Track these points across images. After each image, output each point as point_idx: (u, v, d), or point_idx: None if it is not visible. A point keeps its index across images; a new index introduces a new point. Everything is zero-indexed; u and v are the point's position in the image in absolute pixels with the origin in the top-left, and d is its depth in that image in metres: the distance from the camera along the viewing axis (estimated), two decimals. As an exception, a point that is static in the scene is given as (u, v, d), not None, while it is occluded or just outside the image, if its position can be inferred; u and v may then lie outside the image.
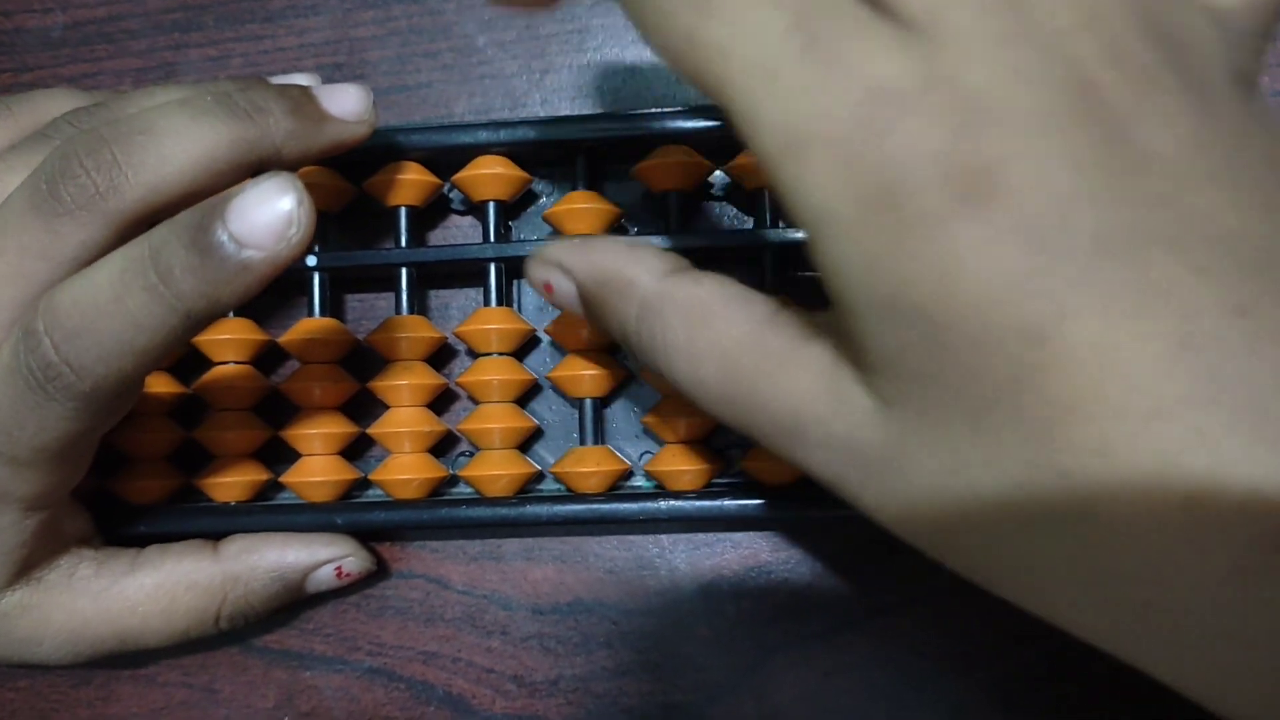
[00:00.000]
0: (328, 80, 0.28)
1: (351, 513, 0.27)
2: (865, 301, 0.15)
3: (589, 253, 0.21)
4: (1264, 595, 0.14)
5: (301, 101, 0.23)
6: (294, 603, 0.27)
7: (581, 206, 0.27)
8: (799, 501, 0.26)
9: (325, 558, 0.27)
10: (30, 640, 0.25)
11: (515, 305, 0.29)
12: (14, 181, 0.23)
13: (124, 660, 0.26)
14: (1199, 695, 0.15)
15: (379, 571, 0.29)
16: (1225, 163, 0.15)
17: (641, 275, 0.20)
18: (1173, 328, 0.14)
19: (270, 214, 0.19)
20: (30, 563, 0.24)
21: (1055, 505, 0.15)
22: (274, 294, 0.30)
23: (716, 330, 0.19)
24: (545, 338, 0.29)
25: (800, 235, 0.27)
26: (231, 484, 0.27)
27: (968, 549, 0.16)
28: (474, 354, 0.28)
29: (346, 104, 0.24)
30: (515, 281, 0.29)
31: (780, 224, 0.27)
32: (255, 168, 0.23)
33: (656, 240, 0.27)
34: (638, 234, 0.28)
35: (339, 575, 0.27)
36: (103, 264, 0.20)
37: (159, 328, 0.20)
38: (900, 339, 0.15)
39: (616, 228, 0.28)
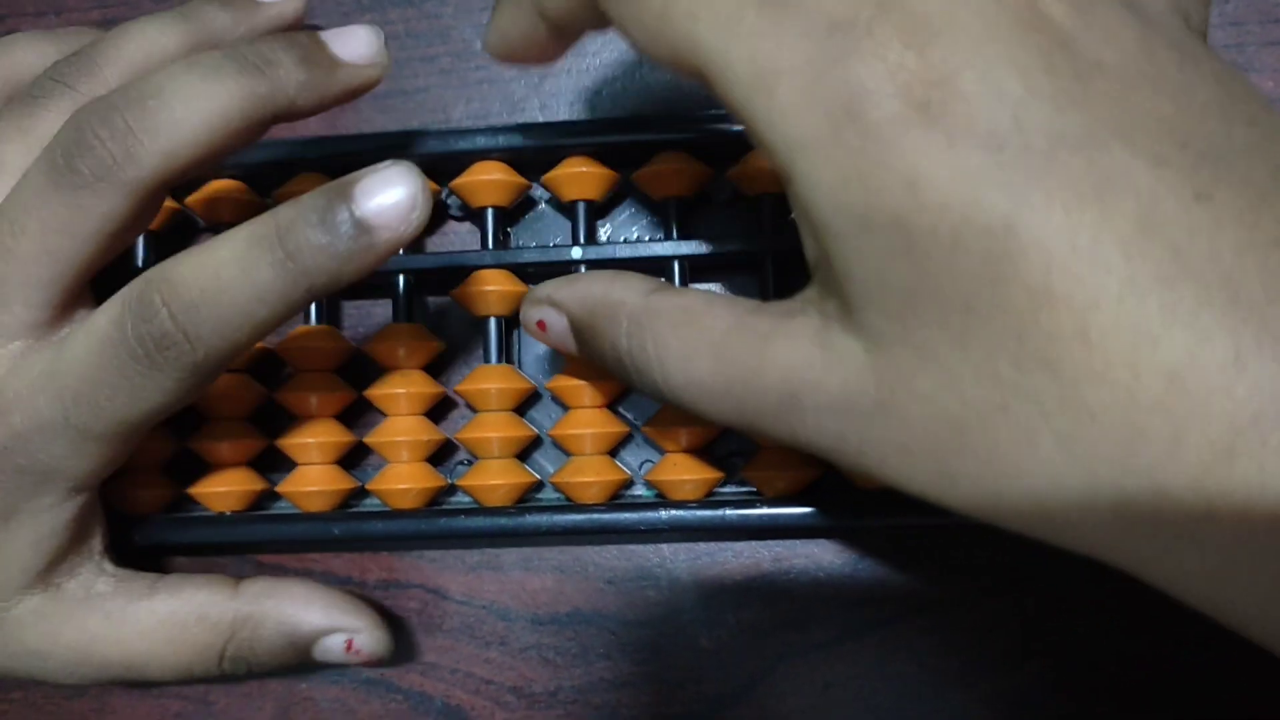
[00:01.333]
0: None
1: (349, 523, 0.27)
2: (842, 221, 0.16)
3: (575, 285, 0.22)
4: (1249, 470, 0.14)
5: (311, 49, 0.23)
6: (297, 665, 0.26)
7: (583, 170, 0.27)
8: (800, 511, 0.25)
9: (340, 625, 0.26)
10: (38, 654, 0.24)
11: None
12: (9, 149, 0.23)
13: (124, 683, 0.26)
14: (1197, 597, 0.16)
15: (378, 577, 0.28)
16: (1174, 71, 0.16)
17: (627, 295, 0.21)
18: (1134, 211, 0.15)
19: (395, 197, 0.20)
20: (57, 558, 0.24)
21: (1042, 398, 0.15)
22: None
23: (704, 326, 0.19)
24: (546, 346, 0.29)
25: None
26: (227, 494, 0.27)
27: (967, 476, 0.16)
28: (470, 311, 0.28)
29: (358, 48, 0.24)
30: (514, 288, 0.29)
31: (780, 231, 0.27)
32: (270, 121, 0.23)
33: (650, 250, 0.27)
34: (636, 241, 0.28)
35: (349, 649, 0.26)
36: (224, 240, 0.21)
37: (281, 300, 0.21)
38: (878, 254, 0.16)
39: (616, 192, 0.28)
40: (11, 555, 0.23)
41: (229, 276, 0.20)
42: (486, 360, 0.28)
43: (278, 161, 0.27)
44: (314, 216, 0.20)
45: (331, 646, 0.26)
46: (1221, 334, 0.14)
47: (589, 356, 0.22)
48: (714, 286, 0.29)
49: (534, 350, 0.29)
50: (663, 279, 0.21)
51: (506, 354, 0.28)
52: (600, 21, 0.19)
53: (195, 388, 0.22)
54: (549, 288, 0.23)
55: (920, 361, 0.16)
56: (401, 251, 0.28)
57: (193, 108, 0.21)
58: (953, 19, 0.15)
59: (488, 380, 0.27)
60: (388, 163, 0.21)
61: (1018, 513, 0.16)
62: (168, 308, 0.20)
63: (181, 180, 0.22)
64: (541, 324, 0.23)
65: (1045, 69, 0.15)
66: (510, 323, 0.28)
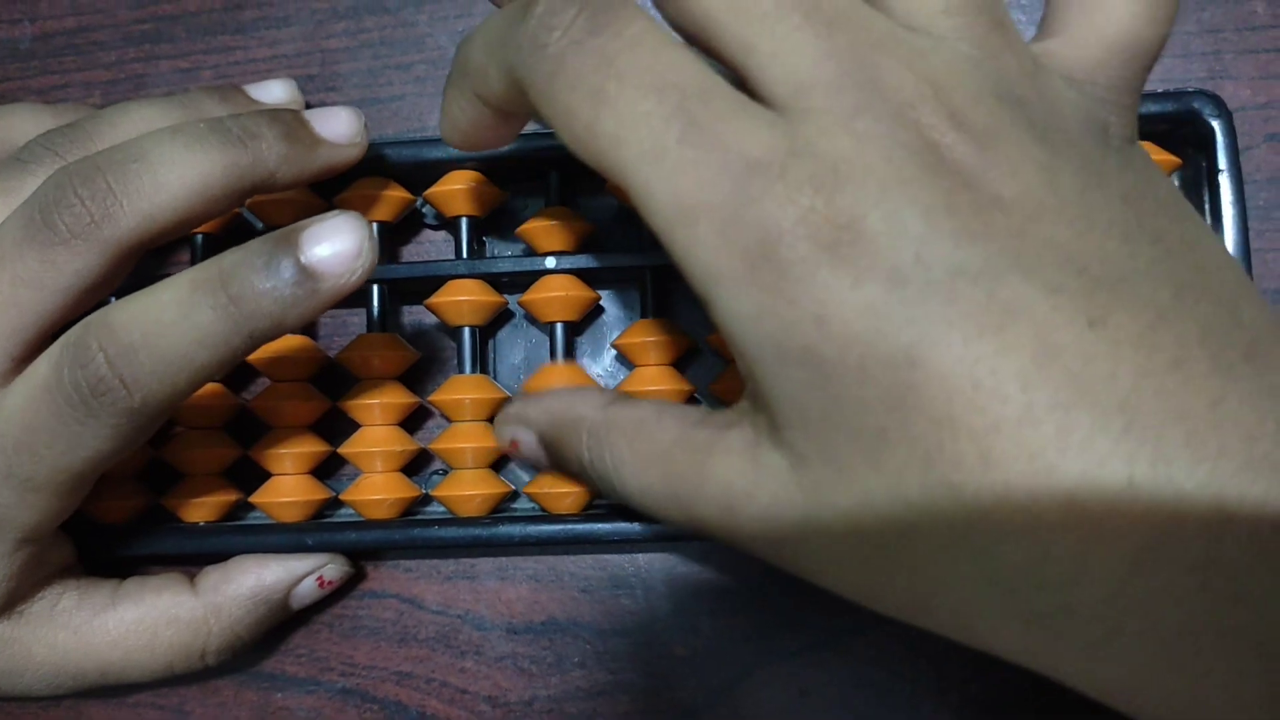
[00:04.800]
0: (302, 90, 0.28)
1: (323, 533, 0.26)
2: (759, 350, 0.17)
3: (540, 403, 0.24)
4: (1155, 588, 0.15)
5: (294, 126, 0.23)
6: (280, 623, 0.27)
7: (553, 223, 0.27)
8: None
9: (304, 571, 0.26)
10: (11, 673, 0.24)
11: (489, 321, 0.29)
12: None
13: (105, 689, 0.26)
14: (1116, 701, 0.16)
15: (353, 588, 0.28)
16: (1077, 197, 0.17)
17: (586, 410, 0.22)
18: (1031, 341, 0.15)
19: (341, 245, 0.21)
20: (15, 597, 0.24)
21: (953, 520, 0.16)
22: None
23: (654, 439, 0.20)
24: (520, 355, 0.29)
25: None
26: (200, 504, 0.27)
27: (894, 586, 0.17)
28: (445, 323, 0.28)
29: (338, 127, 0.24)
30: (489, 297, 0.29)
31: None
32: (249, 193, 0.23)
33: (624, 260, 0.27)
34: (611, 250, 0.28)
35: (321, 585, 0.27)
36: (166, 284, 0.21)
37: (223, 344, 0.21)
38: (795, 382, 0.17)
39: (590, 241, 0.28)
40: None
41: (169, 320, 0.20)
42: (461, 370, 0.28)
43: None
44: (259, 261, 0.21)
45: (304, 592, 0.27)
46: (1116, 459, 0.15)
47: (559, 469, 0.24)
48: (689, 294, 0.29)
49: (508, 360, 0.29)
50: (616, 392, 0.22)
51: (481, 363, 0.28)
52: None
53: (134, 436, 0.22)
54: (517, 408, 0.24)
55: (840, 480, 0.17)
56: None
57: (174, 174, 0.22)
58: (859, 164, 0.16)
59: (462, 390, 0.27)
60: (335, 212, 0.21)
61: (945, 625, 0.17)
62: (104, 353, 0.20)
63: (158, 244, 0.22)
64: (514, 443, 0.24)
65: (946, 208, 0.16)
66: (484, 332, 0.28)
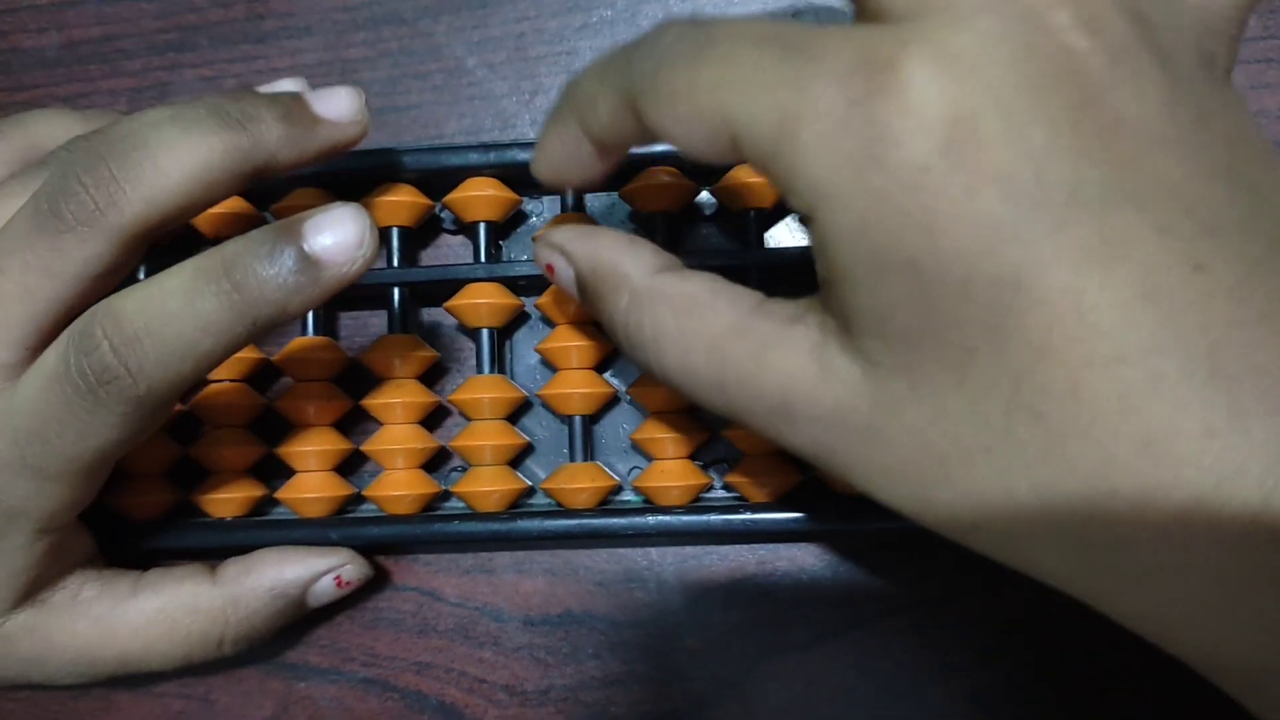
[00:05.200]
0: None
1: (346, 528, 0.27)
2: (859, 262, 0.16)
3: (588, 241, 0.22)
4: (1210, 537, 0.15)
5: (292, 107, 0.24)
6: (297, 619, 0.28)
7: None
8: (783, 517, 0.26)
9: (323, 569, 0.27)
10: (33, 661, 0.25)
11: (506, 323, 0.30)
12: (14, 206, 0.23)
13: (128, 678, 0.26)
14: (1158, 636, 0.17)
15: (374, 581, 0.29)
16: (1190, 133, 0.16)
17: (633, 270, 0.21)
18: (1136, 279, 0.15)
19: (344, 234, 0.21)
20: (36, 585, 0.24)
21: (1029, 448, 0.16)
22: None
23: (705, 320, 0.19)
24: (537, 356, 0.29)
25: (786, 247, 0.28)
26: (228, 500, 0.28)
27: (945, 504, 0.17)
28: (464, 326, 0.29)
29: (338, 106, 0.24)
30: (506, 300, 0.30)
31: (766, 244, 0.28)
32: (251, 176, 0.23)
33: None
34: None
35: (339, 584, 0.27)
36: (170, 272, 0.21)
37: (225, 332, 0.21)
38: (890, 295, 0.16)
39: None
40: None
41: (173, 308, 0.21)
42: (479, 370, 0.29)
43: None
44: (262, 250, 0.21)
45: (322, 590, 0.27)
46: (1198, 406, 0.15)
47: (589, 310, 0.23)
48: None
49: (525, 361, 0.30)
50: (671, 257, 0.21)
51: (499, 364, 0.29)
52: (644, 135, 0.19)
53: (142, 424, 0.22)
54: (564, 235, 0.23)
55: (913, 393, 0.17)
56: (396, 264, 0.29)
57: (175, 159, 0.22)
58: (983, 60, 0.15)
59: (480, 390, 0.28)
60: (337, 203, 0.22)
61: (986, 542, 0.17)
62: (109, 340, 0.21)
63: (163, 229, 0.23)
64: (550, 268, 0.23)
65: (1070, 123, 0.15)
66: (502, 334, 0.29)
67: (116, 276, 0.23)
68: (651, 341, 0.20)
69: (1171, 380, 0.15)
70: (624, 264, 0.21)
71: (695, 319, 0.20)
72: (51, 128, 0.27)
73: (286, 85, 0.27)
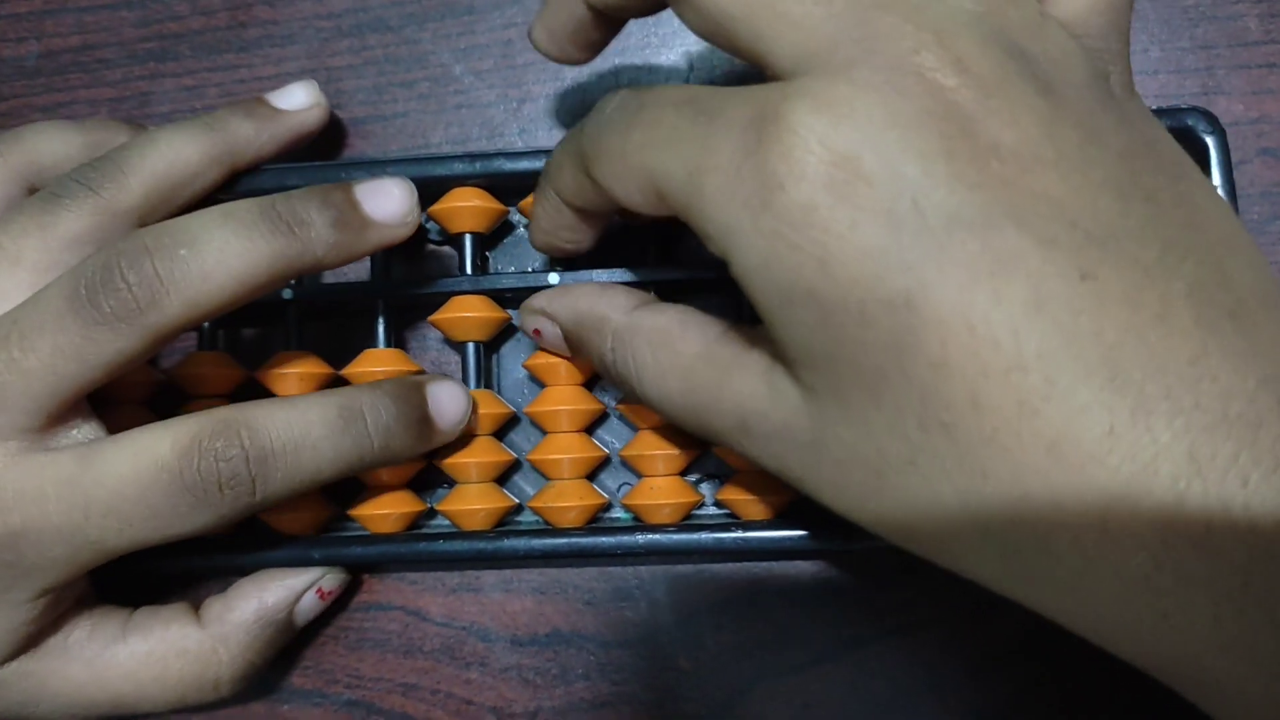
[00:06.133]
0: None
1: (328, 547, 0.27)
2: (769, 296, 0.18)
3: (567, 298, 0.24)
4: (1123, 537, 0.15)
5: (345, 210, 0.23)
6: (288, 642, 0.27)
7: None
8: (775, 535, 0.26)
9: (303, 587, 0.27)
10: (27, 704, 0.24)
11: (493, 336, 0.29)
12: (28, 244, 0.23)
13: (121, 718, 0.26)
14: (1090, 633, 0.17)
15: (359, 600, 0.29)
16: (1074, 151, 0.17)
17: (612, 312, 0.23)
18: (1024, 291, 0.16)
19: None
20: (36, 638, 0.24)
21: (944, 459, 0.17)
22: (249, 327, 0.30)
23: (677, 350, 0.21)
24: (524, 371, 0.29)
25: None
26: (208, 519, 0.27)
27: (884, 511, 0.18)
28: (449, 339, 0.28)
29: (390, 207, 0.24)
30: (493, 312, 0.29)
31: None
32: (294, 277, 0.23)
33: (629, 276, 0.27)
34: (613, 268, 0.28)
35: (321, 596, 0.27)
36: (312, 402, 0.24)
37: (345, 467, 0.24)
38: (802, 324, 0.17)
39: (593, 256, 0.28)
40: None
41: (316, 438, 0.23)
42: (465, 385, 0.28)
43: (263, 189, 0.28)
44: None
45: (307, 606, 0.27)
46: (1097, 408, 0.15)
47: (580, 359, 0.25)
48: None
49: (512, 375, 0.29)
50: (649, 294, 0.23)
51: (485, 379, 0.28)
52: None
53: (229, 525, 0.23)
54: (543, 299, 0.25)
55: (843, 413, 0.18)
56: (381, 276, 0.28)
57: (223, 264, 0.22)
58: (857, 106, 0.17)
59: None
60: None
61: (928, 548, 0.18)
62: (246, 452, 0.22)
63: (198, 325, 0.23)
64: (537, 332, 0.25)
65: (944, 153, 0.16)
66: (488, 347, 0.29)
67: (142, 361, 0.23)
68: (634, 373, 0.22)
69: (1067, 384, 0.16)
70: (601, 308, 0.23)
71: (668, 349, 0.21)
72: (50, 142, 0.26)
73: (298, 91, 0.27)
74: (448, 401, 0.25)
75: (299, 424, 0.23)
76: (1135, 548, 0.15)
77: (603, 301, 0.23)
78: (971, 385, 0.16)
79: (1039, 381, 0.16)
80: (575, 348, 0.25)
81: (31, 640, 0.24)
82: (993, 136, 0.17)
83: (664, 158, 0.19)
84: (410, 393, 0.25)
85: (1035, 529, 0.16)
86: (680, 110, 0.19)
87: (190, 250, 0.22)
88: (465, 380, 0.28)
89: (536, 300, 0.25)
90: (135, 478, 0.21)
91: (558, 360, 0.27)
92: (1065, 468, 0.16)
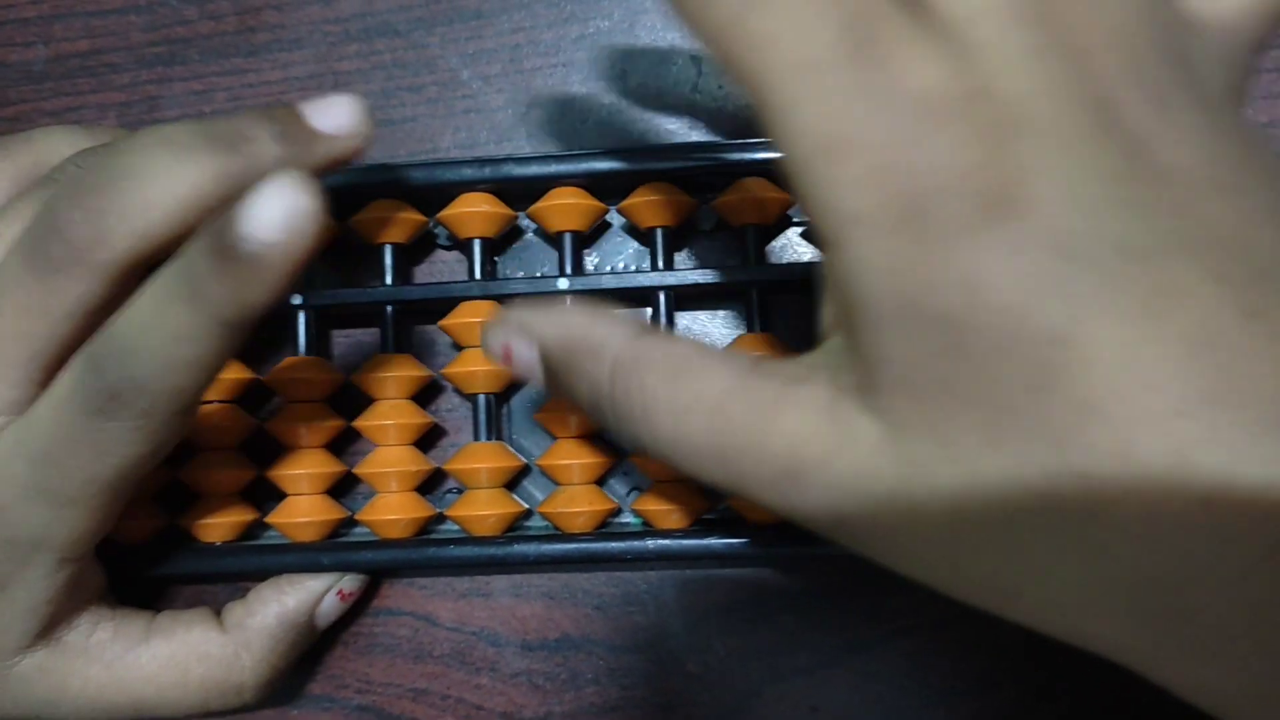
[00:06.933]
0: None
1: (338, 553, 0.27)
2: (884, 307, 0.15)
3: (554, 316, 0.21)
4: (1269, 595, 0.14)
5: (288, 123, 0.22)
6: (310, 645, 0.27)
7: (569, 201, 0.27)
8: (785, 539, 0.26)
9: (322, 589, 0.27)
10: (47, 703, 0.24)
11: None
12: (19, 229, 0.23)
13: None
14: (1217, 707, 0.15)
15: (369, 605, 0.29)
16: (1234, 175, 0.15)
17: (612, 336, 0.20)
18: (1189, 330, 0.14)
19: (277, 209, 0.19)
20: (56, 619, 0.24)
21: (1073, 508, 0.15)
22: (259, 332, 0.30)
23: (700, 383, 0.18)
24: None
25: (792, 264, 0.27)
26: (217, 524, 0.27)
27: (980, 571, 0.16)
28: (461, 392, 0.28)
29: (337, 118, 0.22)
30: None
31: (765, 262, 0.27)
32: None
33: (642, 278, 0.27)
34: (624, 270, 0.28)
35: (342, 598, 0.27)
36: (147, 284, 0.21)
37: (200, 338, 0.20)
38: (919, 348, 0.15)
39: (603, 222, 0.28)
40: (9, 622, 0.23)
41: (149, 320, 0.20)
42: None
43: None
44: (207, 244, 0.19)
45: (328, 608, 0.27)
46: (1259, 459, 0.14)
47: (556, 392, 0.21)
48: (699, 316, 0.29)
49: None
50: (646, 321, 0.20)
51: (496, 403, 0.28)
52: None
53: (155, 439, 0.21)
54: (522, 314, 0.21)
55: (945, 454, 0.15)
56: (390, 281, 0.28)
57: (164, 188, 0.21)
58: (1034, 119, 0.15)
59: (475, 363, 0.27)
60: (274, 174, 0.19)
61: (1032, 615, 0.16)
62: (110, 358, 0.20)
63: (158, 258, 0.22)
64: (507, 350, 0.21)
65: (1118, 176, 0.15)
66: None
67: (114, 307, 0.22)
68: (641, 411, 0.19)
69: (1227, 432, 0.14)
70: (599, 331, 0.20)
71: (689, 383, 0.18)
72: (59, 145, 0.26)
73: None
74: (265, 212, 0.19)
75: (134, 313, 0.20)
76: None
77: (601, 324, 0.20)
78: (1122, 430, 0.14)
79: (1199, 429, 0.14)
80: (557, 377, 0.21)
81: (53, 621, 0.24)
82: (1165, 157, 0.15)
83: (797, 85, 0.15)
84: (219, 227, 0.19)
85: (1177, 591, 0.14)
86: (836, 10, 0.16)
87: (130, 180, 0.21)
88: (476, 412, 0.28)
89: (512, 314, 0.21)
90: (50, 420, 0.21)
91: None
92: (1221, 523, 0.14)
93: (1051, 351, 0.14)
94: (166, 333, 0.20)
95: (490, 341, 0.21)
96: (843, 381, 0.17)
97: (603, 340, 0.20)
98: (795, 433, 0.17)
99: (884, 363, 0.16)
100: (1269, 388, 0.14)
